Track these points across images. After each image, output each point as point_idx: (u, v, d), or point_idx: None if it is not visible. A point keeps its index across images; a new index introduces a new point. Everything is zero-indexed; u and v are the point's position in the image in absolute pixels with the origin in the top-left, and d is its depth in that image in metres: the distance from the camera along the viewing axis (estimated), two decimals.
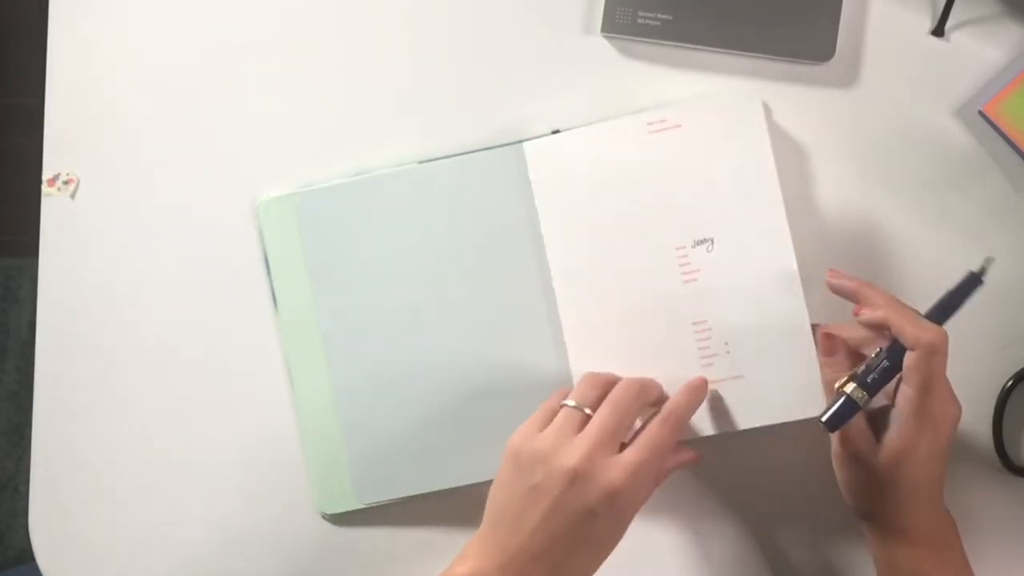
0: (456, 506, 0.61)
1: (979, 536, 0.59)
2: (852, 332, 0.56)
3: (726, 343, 0.59)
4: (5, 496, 1.34)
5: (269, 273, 0.63)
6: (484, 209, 0.61)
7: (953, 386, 0.52)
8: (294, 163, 0.64)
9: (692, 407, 0.56)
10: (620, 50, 0.63)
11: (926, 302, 0.53)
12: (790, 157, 0.61)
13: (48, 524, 0.64)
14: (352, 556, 0.62)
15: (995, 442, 0.60)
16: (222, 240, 0.64)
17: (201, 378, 0.63)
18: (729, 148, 0.59)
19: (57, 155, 0.65)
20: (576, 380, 0.58)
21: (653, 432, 0.53)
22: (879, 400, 0.53)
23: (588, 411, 0.53)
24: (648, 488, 0.53)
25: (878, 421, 0.54)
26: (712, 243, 0.59)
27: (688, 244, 0.59)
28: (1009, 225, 0.60)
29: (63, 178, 0.65)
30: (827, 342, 0.56)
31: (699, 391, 0.57)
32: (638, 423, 0.55)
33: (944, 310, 0.52)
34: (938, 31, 0.61)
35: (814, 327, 0.57)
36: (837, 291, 0.55)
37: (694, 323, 0.59)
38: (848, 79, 0.61)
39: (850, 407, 0.53)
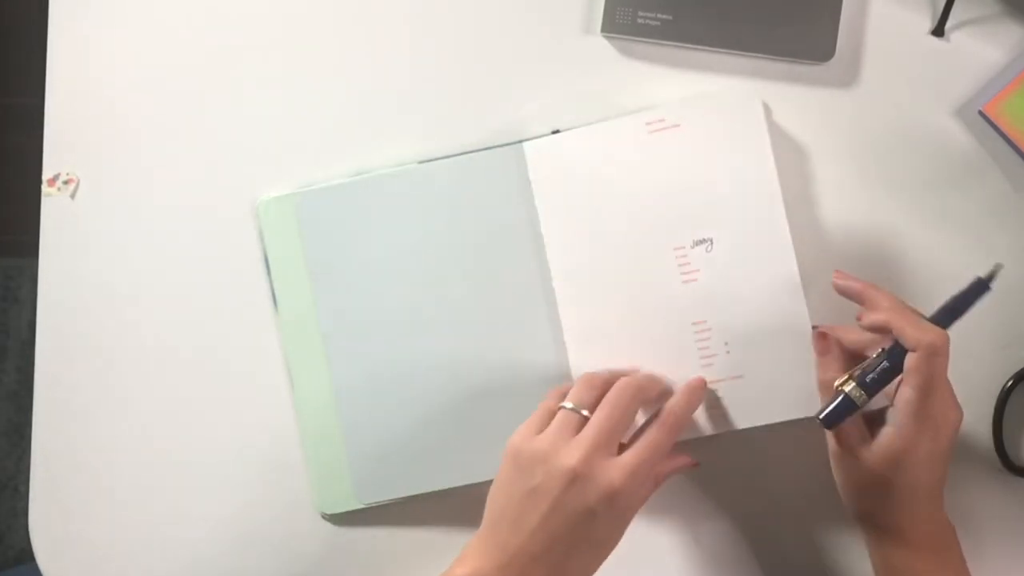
0: (456, 506, 0.61)
1: (979, 536, 0.59)
2: (855, 335, 0.56)
3: (726, 343, 0.59)
4: (5, 496, 1.34)
5: (269, 273, 0.63)
6: (484, 209, 0.61)
7: (953, 386, 0.52)
8: (294, 163, 0.64)
9: (691, 407, 0.56)
10: (620, 50, 0.63)
11: (926, 302, 0.53)
12: (790, 157, 0.61)
13: (48, 524, 0.64)
14: (352, 556, 0.62)
15: (995, 442, 0.60)
16: (222, 240, 0.64)
17: (201, 378, 0.63)
18: (729, 148, 0.59)
19: (57, 155, 0.65)
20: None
21: (652, 433, 0.53)
22: (880, 401, 0.53)
23: (586, 413, 0.53)
24: (647, 489, 0.54)
25: (877, 421, 0.54)
26: (712, 243, 0.59)
27: (687, 244, 0.59)
28: (1009, 225, 0.60)
29: (63, 178, 0.65)
30: (820, 341, 0.56)
31: (698, 391, 0.57)
32: (640, 419, 0.55)
33: (949, 314, 0.52)
34: (938, 31, 0.61)
35: (814, 328, 0.57)
36: (843, 292, 0.55)
37: (694, 323, 0.59)
38: (848, 79, 0.61)
39: (848, 406, 0.52)
